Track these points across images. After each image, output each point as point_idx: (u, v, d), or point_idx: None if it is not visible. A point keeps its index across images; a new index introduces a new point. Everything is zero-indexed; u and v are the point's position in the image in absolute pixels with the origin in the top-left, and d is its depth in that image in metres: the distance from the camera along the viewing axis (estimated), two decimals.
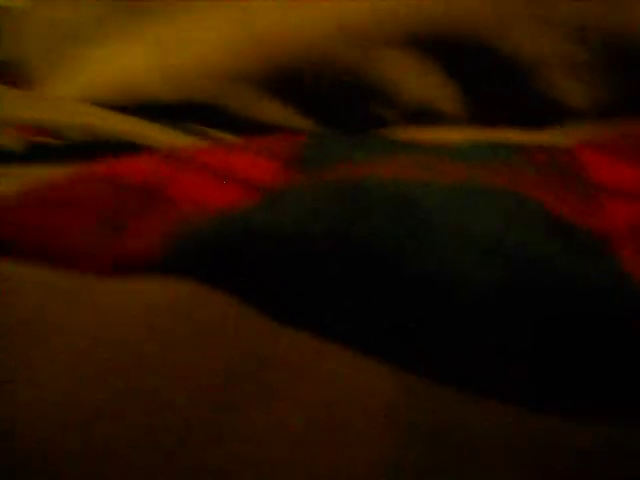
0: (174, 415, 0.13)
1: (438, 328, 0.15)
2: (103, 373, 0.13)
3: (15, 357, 0.14)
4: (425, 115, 0.33)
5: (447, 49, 0.31)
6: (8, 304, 0.15)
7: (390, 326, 0.16)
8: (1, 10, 0.60)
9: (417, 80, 0.32)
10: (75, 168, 0.25)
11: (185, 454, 0.12)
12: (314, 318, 0.15)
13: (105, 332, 0.14)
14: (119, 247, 0.19)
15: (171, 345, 0.14)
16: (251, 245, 0.16)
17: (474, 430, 0.14)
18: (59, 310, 0.15)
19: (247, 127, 0.33)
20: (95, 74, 0.36)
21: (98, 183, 0.23)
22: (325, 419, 0.13)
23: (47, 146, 0.32)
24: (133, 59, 0.34)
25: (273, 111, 0.33)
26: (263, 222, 0.17)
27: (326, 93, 0.32)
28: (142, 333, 0.14)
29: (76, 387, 0.13)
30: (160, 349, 0.14)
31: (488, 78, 0.32)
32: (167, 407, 0.13)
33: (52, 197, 0.22)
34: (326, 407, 0.14)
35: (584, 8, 0.30)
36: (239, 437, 0.12)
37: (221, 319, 0.14)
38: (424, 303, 0.15)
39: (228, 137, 0.33)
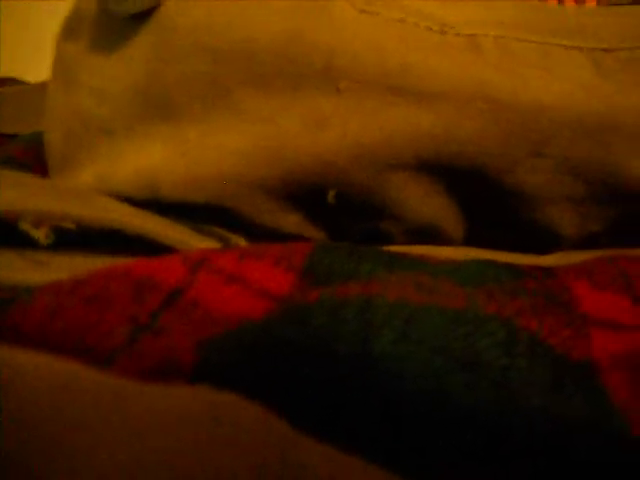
0: None
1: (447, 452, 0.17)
2: None
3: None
4: (428, 233, 0.35)
5: (453, 175, 0.34)
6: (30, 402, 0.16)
7: (396, 441, 0.17)
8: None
9: (422, 200, 0.34)
10: (98, 263, 0.26)
11: None
12: (335, 431, 0.17)
13: (142, 442, 0.15)
14: (150, 348, 0.21)
15: (206, 453, 0.15)
16: (279, 358, 0.18)
17: None
18: (92, 416, 0.16)
19: (261, 233, 0.35)
20: (116, 166, 0.37)
21: (122, 281, 0.24)
22: None
23: (71, 233, 0.33)
24: (155, 156, 0.36)
25: (286, 220, 0.35)
26: (290, 336, 0.19)
27: (338, 208, 0.34)
28: (180, 442, 0.15)
29: None
30: (195, 458, 0.15)
31: (488, 205, 0.35)
32: None
33: (79, 292, 0.23)
34: None
35: (579, 149, 0.33)
36: None
37: (253, 428, 0.16)
38: (439, 430, 0.17)
39: (242, 241, 0.34)
